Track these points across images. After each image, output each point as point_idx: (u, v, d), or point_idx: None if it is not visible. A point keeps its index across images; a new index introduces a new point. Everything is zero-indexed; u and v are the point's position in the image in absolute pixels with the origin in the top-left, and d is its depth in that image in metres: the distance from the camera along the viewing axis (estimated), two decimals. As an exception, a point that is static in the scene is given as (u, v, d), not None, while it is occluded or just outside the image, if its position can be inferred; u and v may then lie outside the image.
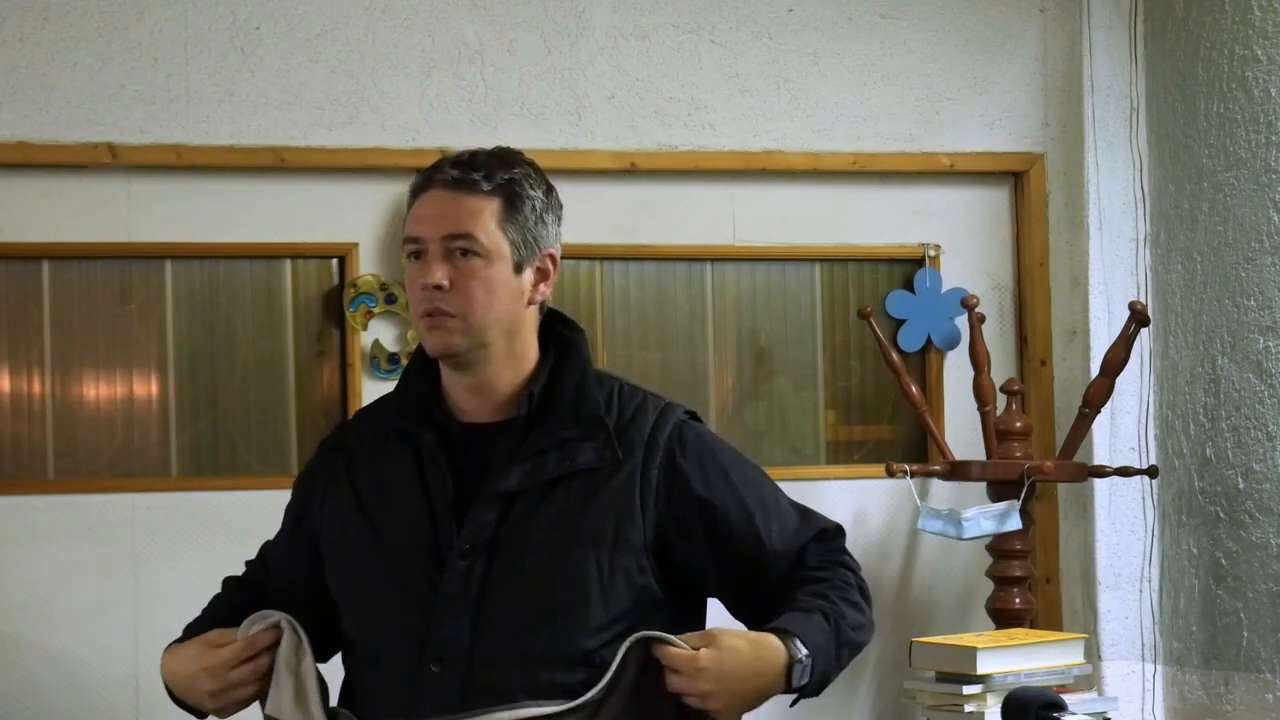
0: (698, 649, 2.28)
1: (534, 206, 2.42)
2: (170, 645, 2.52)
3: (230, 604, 2.57)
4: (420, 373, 2.50)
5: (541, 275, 2.44)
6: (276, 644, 2.42)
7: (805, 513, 2.52)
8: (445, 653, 2.34)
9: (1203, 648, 4.15)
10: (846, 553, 2.51)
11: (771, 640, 2.30)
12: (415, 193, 2.44)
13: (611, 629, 2.35)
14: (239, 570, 2.68)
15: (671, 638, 2.29)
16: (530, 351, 2.46)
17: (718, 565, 2.43)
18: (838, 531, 2.52)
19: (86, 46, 3.98)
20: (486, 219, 2.38)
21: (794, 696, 2.35)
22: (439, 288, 2.37)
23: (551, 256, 2.45)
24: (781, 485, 2.56)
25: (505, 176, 2.40)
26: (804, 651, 2.30)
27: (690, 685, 2.26)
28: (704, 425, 2.53)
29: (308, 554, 2.53)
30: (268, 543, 2.66)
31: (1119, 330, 4.15)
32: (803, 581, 2.42)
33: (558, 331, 2.50)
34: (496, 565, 2.35)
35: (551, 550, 2.35)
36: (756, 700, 2.31)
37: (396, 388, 2.56)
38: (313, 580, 2.52)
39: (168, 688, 2.50)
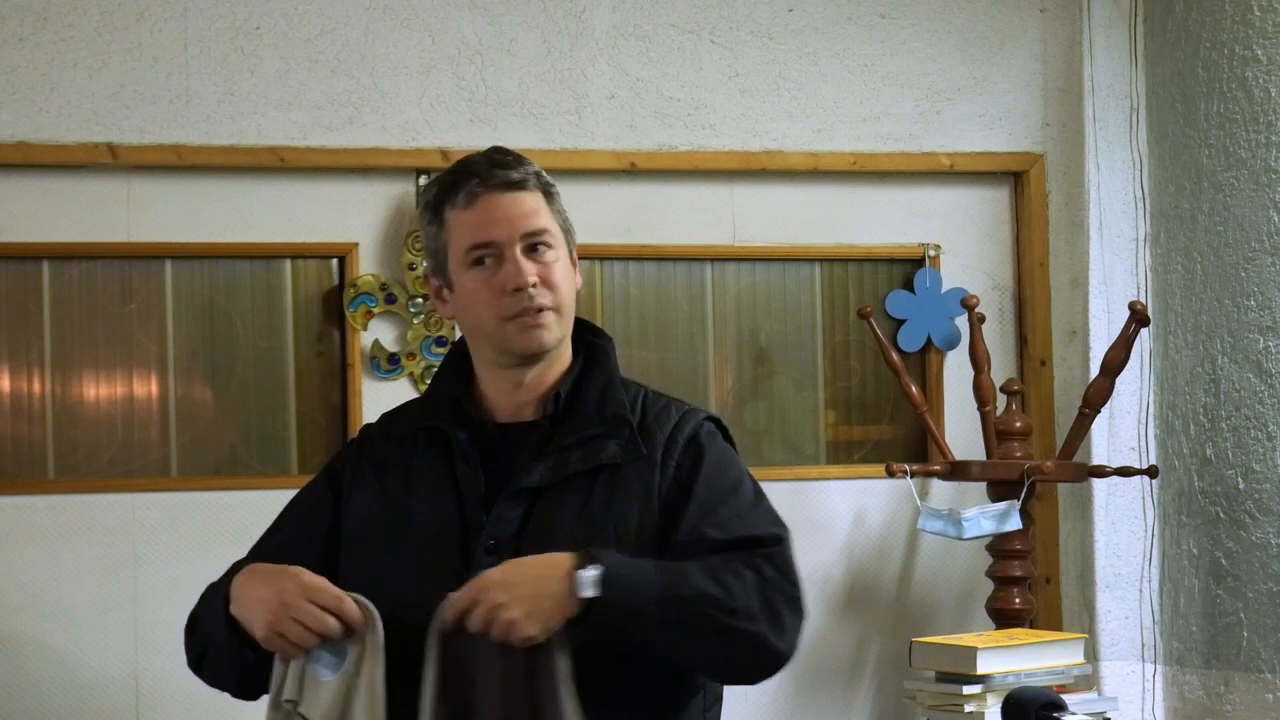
0: None
1: (559, 196, 2.47)
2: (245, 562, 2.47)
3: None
4: (453, 375, 2.51)
5: (574, 262, 2.49)
6: (353, 631, 2.30)
7: (758, 524, 2.40)
8: None
9: (1203, 648, 4.15)
10: (769, 559, 2.35)
11: (561, 553, 2.27)
12: (469, 201, 2.40)
13: None
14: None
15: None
16: (568, 349, 2.49)
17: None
18: (774, 540, 2.38)
19: (86, 46, 3.98)
20: (545, 212, 2.43)
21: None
22: (533, 286, 2.39)
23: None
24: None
25: (532, 170, 2.44)
26: (596, 567, 2.24)
27: (487, 599, 2.21)
28: (720, 434, 2.50)
29: (316, 548, 2.49)
30: (254, 548, 2.57)
31: (1119, 330, 4.15)
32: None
33: (586, 338, 2.51)
34: None
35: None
36: (551, 608, 2.23)
37: (428, 390, 2.58)
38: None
39: (227, 596, 2.40)
